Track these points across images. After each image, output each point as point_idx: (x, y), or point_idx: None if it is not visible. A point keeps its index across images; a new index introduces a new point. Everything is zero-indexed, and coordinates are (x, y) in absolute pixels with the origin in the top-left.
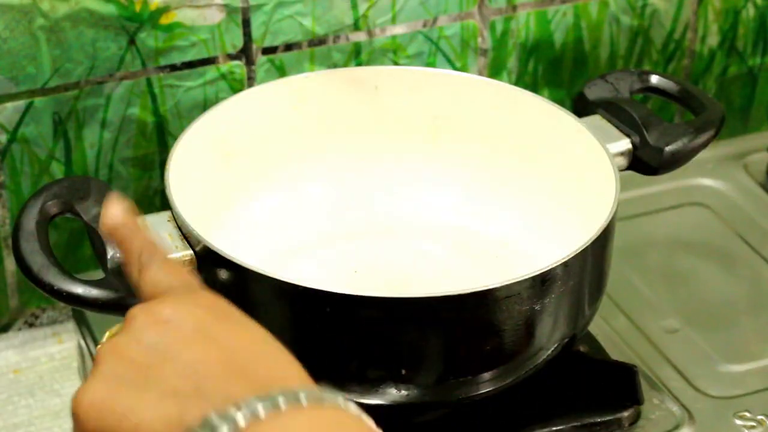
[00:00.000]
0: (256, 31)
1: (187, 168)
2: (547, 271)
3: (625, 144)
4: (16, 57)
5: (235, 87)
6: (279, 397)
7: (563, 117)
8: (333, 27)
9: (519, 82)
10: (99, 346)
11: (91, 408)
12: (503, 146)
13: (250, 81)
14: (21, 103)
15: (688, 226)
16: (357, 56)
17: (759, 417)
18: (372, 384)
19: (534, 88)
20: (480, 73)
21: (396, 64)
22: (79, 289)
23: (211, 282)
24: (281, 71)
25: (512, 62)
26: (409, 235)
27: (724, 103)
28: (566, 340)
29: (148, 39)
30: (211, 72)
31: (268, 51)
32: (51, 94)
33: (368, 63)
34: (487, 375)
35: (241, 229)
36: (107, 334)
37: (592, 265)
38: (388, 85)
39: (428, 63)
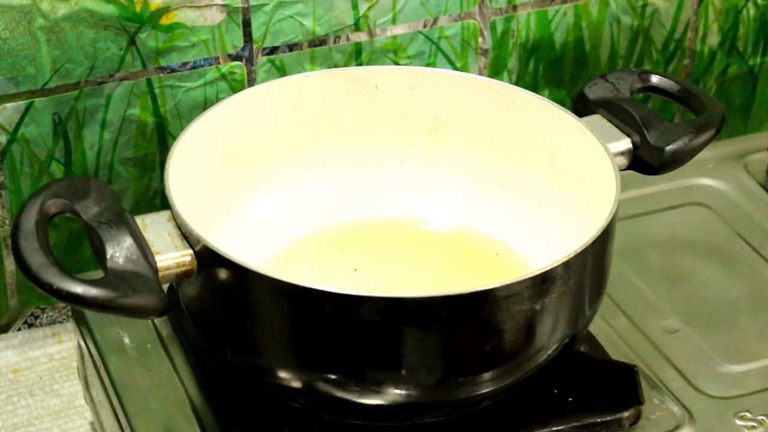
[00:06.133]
0: (256, 32)
1: (187, 167)
2: (547, 271)
3: (625, 143)
4: (16, 57)
5: (236, 87)
6: None
7: (563, 117)
8: (334, 27)
9: (519, 82)
10: None
11: None
12: (503, 146)
13: (251, 81)
14: (21, 104)
15: (688, 226)
16: (357, 57)
17: (759, 417)
18: (372, 384)
19: (534, 88)
20: (480, 73)
21: (396, 64)
22: (78, 289)
23: (211, 282)
24: (282, 71)
25: (513, 62)
26: (409, 235)
27: (724, 103)
28: (566, 340)
29: (148, 39)
30: (211, 72)
31: (268, 51)
32: (51, 94)
33: (369, 63)
34: (487, 375)
35: (241, 229)
36: None
37: (592, 265)
38: (388, 84)
39: (429, 63)
